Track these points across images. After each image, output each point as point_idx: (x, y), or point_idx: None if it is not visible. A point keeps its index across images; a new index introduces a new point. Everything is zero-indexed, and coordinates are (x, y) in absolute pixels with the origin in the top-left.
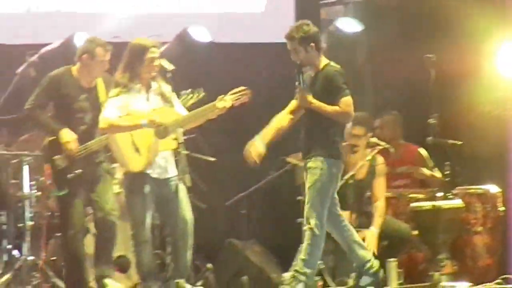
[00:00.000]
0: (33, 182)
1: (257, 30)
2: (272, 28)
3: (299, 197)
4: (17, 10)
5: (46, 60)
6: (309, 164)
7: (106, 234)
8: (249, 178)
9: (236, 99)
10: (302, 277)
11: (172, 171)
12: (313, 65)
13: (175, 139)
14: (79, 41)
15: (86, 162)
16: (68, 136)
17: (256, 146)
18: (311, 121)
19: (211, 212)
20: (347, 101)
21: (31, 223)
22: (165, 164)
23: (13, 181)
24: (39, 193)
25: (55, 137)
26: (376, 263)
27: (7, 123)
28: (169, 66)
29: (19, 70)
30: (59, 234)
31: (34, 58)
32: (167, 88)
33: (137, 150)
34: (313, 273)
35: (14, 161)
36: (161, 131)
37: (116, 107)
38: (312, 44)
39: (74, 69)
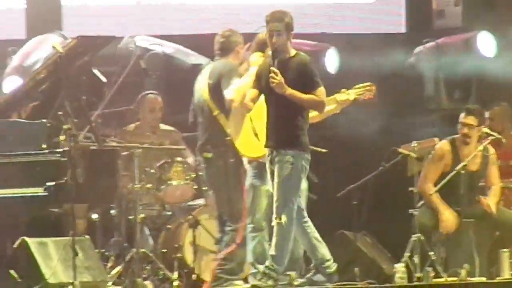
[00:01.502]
0: (143, 174)
1: (368, 20)
2: (383, 18)
3: (411, 188)
4: (126, 2)
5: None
6: (279, 158)
7: None
8: (360, 169)
9: (360, 94)
10: (273, 273)
11: None
12: (284, 53)
13: None
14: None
15: None
16: None
17: None
18: (279, 111)
19: (322, 203)
20: (322, 91)
21: (141, 215)
22: None
23: (124, 173)
24: (149, 185)
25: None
26: (334, 265)
27: (115, 115)
28: None
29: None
30: (169, 226)
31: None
32: None
33: (256, 136)
34: (282, 268)
35: (125, 153)
36: None
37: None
38: (292, 32)
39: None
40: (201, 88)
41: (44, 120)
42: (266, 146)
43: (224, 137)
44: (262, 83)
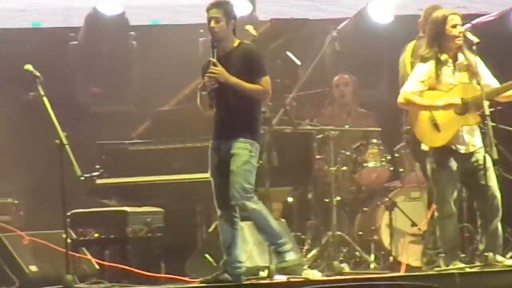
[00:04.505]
0: (338, 157)
1: None
2: None
3: None
4: None
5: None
6: (237, 146)
7: None
8: None
9: None
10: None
11: (478, 144)
12: (226, 41)
13: (481, 112)
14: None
15: None
16: None
17: None
18: (234, 101)
19: None
20: (267, 80)
21: (337, 198)
22: (470, 138)
23: (319, 156)
24: (345, 167)
25: None
26: (243, 267)
27: (311, 97)
28: (474, 39)
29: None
30: (365, 208)
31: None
32: (475, 60)
33: (435, 125)
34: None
35: (320, 136)
36: (461, 108)
37: (418, 82)
38: (233, 21)
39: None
40: (403, 64)
41: None
42: (218, 136)
43: None
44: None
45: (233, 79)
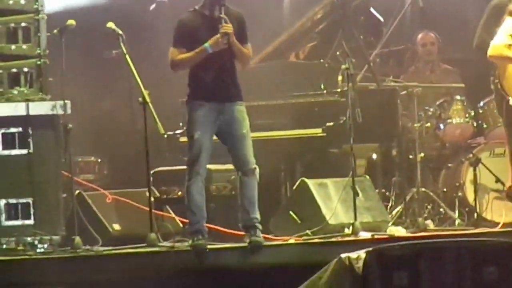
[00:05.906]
0: (422, 113)
1: None
2: None
3: None
4: None
5: None
6: (237, 109)
7: None
8: None
9: None
10: (259, 225)
11: None
12: (224, 3)
13: None
14: None
15: None
16: None
17: None
18: (231, 63)
19: None
20: (251, 47)
21: (421, 154)
22: None
23: (403, 112)
24: (429, 124)
25: None
26: None
27: (394, 54)
28: None
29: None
30: (449, 165)
31: None
32: None
33: None
34: None
35: (403, 92)
36: None
37: (507, 35)
38: None
39: None
40: None
41: (322, 61)
42: (213, 97)
43: None
44: (200, 35)
45: (235, 42)
